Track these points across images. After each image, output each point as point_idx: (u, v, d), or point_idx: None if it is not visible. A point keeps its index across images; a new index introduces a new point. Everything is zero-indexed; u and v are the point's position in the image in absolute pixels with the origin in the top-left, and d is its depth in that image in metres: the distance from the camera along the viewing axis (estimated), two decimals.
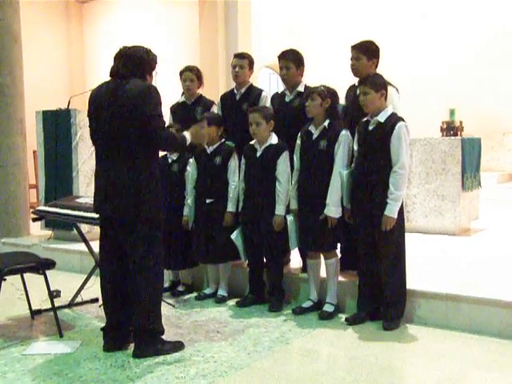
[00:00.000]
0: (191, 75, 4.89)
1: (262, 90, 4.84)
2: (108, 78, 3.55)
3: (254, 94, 4.76)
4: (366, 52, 4.16)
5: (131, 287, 3.47)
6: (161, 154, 4.05)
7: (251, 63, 4.79)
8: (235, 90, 4.84)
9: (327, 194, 3.97)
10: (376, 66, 4.22)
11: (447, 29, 12.50)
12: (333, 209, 3.97)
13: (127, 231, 3.44)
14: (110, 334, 3.59)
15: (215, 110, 4.89)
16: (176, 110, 5.02)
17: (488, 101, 11.92)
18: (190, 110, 4.93)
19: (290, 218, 4.18)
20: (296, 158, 4.22)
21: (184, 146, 3.64)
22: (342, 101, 4.38)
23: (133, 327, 3.52)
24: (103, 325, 3.70)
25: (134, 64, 3.47)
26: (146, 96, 3.37)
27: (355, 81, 4.30)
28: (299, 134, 4.19)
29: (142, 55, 3.51)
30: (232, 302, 4.54)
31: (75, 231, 4.95)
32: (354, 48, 4.20)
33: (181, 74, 4.96)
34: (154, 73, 3.62)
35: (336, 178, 3.96)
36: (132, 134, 3.36)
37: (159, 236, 3.52)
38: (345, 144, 3.99)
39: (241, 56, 4.79)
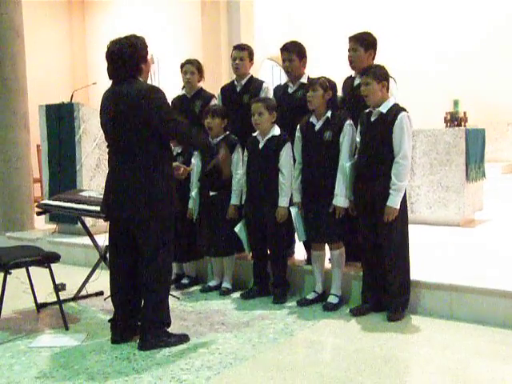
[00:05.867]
0: (192, 68, 4.88)
1: (262, 82, 4.82)
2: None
3: (254, 85, 4.75)
4: (364, 43, 4.16)
5: (141, 280, 3.48)
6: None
7: (251, 54, 4.77)
8: (235, 82, 4.82)
9: (334, 185, 3.97)
10: (373, 58, 4.22)
11: (450, 19, 12.42)
12: (341, 199, 3.97)
13: (140, 227, 3.45)
14: (117, 326, 3.60)
15: (215, 103, 4.87)
16: (176, 103, 5.01)
17: (492, 91, 11.86)
18: (189, 103, 4.92)
19: (294, 209, 4.18)
20: (296, 151, 4.21)
21: (206, 143, 3.74)
22: (339, 92, 4.39)
23: (140, 319, 3.53)
24: (108, 317, 3.73)
25: (122, 65, 3.45)
26: (148, 98, 3.36)
27: (352, 72, 4.31)
28: (298, 127, 4.19)
29: (126, 52, 3.43)
30: (236, 295, 4.55)
31: (79, 225, 4.96)
32: (352, 39, 4.20)
33: (181, 66, 4.95)
34: (148, 56, 3.57)
35: (343, 168, 3.96)
36: (140, 135, 3.38)
37: (171, 230, 3.54)
38: (350, 134, 3.99)
39: (240, 48, 4.77)
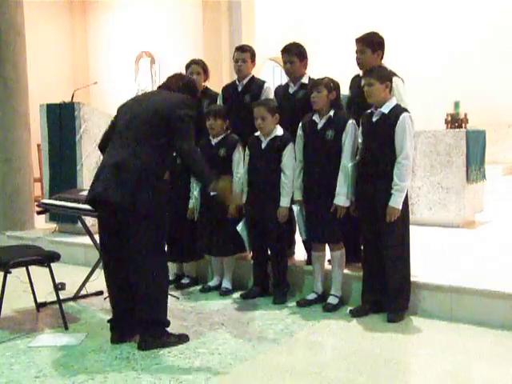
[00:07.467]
0: (198, 68, 4.89)
1: (264, 82, 4.83)
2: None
3: (256, 85, 4.75)
4: (371, 44, 4.15)
5: (135, 279, 3.47)
6: None
7: (253, 56, 4.78)
8: (237, 82, 4.83)
9: (335, 184, 3.97)
10: (381, 58, 4.21)
11: (450, 20, 12.42)
12: (342, 198, 3.96)
13: (127, 221, 3.41)
14: (116, 326, 3.60)
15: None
16: None
17: (493, 93, 11.85)
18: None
19: (296, 207, 4.18)
20: (298, 149, 4.21)
21: (207, 178, 3.52)
22: (344, 91, 4.38)
23: (139, 320, 3.52)
24: (108, 317, 3.73)
25: (188, 87, 3.72)
26: (187, 102, 3.52)
27: (359, 71, 4.30)
28: (300, 125, 4.19)
29: (196, 87, 3.87)
30: (236, 295, 4.54)
31: (79, 224, 4.96)
32: (359, 41, 4.19)
33: (187, 67, 4.96)
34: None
35: (344, 169, 3.96)
36: (151, 132, 3.42)
37: (162, 227, 3.50)
38: (352, 134, 3.99)
39: (242, 49, 4.78)
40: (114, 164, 3.40)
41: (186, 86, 3.71)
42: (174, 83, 3.71)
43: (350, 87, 4.41)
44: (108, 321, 3.67)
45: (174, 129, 3.43)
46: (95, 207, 3.61)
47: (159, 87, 3.79)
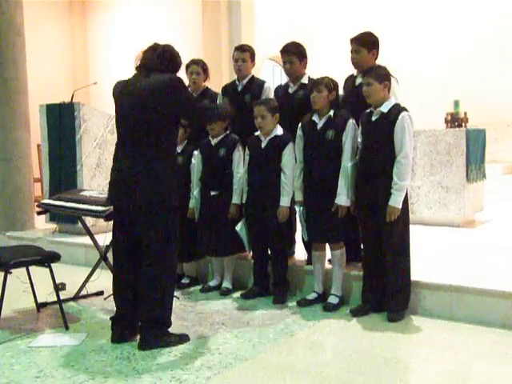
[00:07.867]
0: (197, 68, 4.89)
1: (264, 81, 4.83)
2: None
3: (256, 85, 4.75)
4: (365, 44, 4.17)
5: (145, 279, 3.46)
6: None
7: (253, 55, 4.78)
8: (237, 82, 4.83)
9: (335, 184, 3.97)
10: (376, 57, 4.23)
11: (450, 19, 12.43)
12: (344, 198, 3.97)
13: (146, 221, 3.43)
14: (118, 325, 3.60)
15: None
16: None
17: (493, 92, 11.85)
18: None
19: (298, 208, 4.19)
20: (298, 149, 4.21)
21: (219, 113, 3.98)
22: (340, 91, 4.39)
23: (141, 319, 3.51)
24: (108, 317, 3.72)
25: (164, 58, 3.57)
26: (171, 86, 3.44)
27: (354, 71, 4.31)
28: (300, 125, 4.19)
29: (173, 53, 3.64)
30: (236, 295, 4.55)
31: (80, 224, 4.96)
32: (354, 41, 4.20)
33: (187, 67, 4.96)
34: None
35: (345, 169, 3.96)
36: (155, 123, 3.41)
37: (176, 227, 3.53)
38: (352, 133, 3.99)
39: (242, 49, 4.78)
40: (130, 169, 3.42)
41: (162, 57, 3.57)
42: (151, 59, 3.57)
43: (344, 87, 4.42)
44: (110, 318, 3.67)
45: (184, 114, 3.59)
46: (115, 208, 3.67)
47: (139, 68, 3.62)
